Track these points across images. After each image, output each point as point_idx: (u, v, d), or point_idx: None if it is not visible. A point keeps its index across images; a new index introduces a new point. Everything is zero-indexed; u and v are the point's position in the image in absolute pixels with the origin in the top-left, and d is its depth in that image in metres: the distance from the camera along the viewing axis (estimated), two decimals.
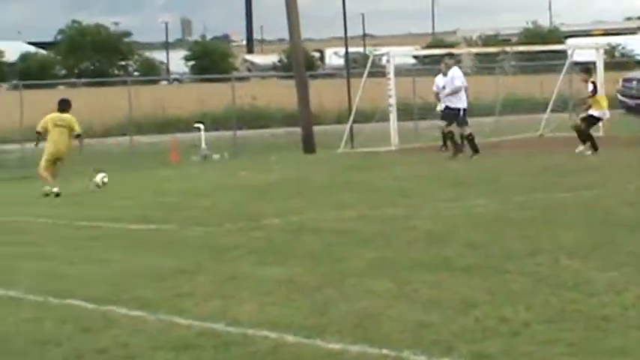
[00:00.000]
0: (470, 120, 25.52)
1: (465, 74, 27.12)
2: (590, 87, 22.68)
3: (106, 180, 19.94)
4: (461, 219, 12.48)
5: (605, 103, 23.28)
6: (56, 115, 19.98)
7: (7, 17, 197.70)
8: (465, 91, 23.78)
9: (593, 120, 22.88)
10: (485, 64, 50.76)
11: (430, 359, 6.44)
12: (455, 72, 23.49)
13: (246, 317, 7.74)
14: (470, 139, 23.08)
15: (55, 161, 19.82)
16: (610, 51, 57.80)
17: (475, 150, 22.78)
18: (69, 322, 7.88)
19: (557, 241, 10.38)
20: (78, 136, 19.90)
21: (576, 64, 32.18)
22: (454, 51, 38.51)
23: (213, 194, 17.52)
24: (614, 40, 68.00)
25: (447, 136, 23.77)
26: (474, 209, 13.34)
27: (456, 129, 23.39)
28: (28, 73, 66.97)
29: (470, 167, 20.09)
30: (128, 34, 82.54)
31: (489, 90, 36.25)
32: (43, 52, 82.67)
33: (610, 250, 9.80)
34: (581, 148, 22.28)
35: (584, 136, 22.55)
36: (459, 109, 22.89)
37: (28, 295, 9.09)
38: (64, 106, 20.13)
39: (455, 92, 23.01)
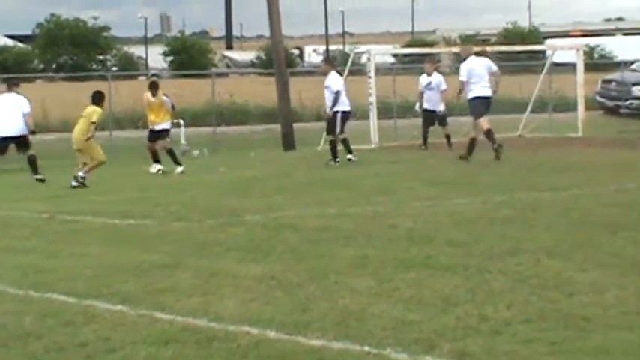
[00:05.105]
0: (449, 119, 25.72)
1: (444, 74, 27.19)
2: None
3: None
4: (442, 218, 12.51)
5: None
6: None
7: None
8: (441, 92, 23.90)
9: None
10: None
11: (412, 357, 6.48)
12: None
13: (228, 313, 7.75)
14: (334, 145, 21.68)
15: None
16: (589, 52, 57.99)
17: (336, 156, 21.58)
18: (50, 316, 7.86)
19: (537, 241, 10.43)
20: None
21: (556, 64, 32.32)
22: (434, 50, 38.74)
23: (193, 190, 17.50)
24: (593, 41, 68.24)
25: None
26: (455, 208, 13.36)
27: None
28: (5, 67, 66.61)
29: (450, 167, 20.12)
30: (107, 28, 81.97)
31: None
32: (20, 45, 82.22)
33: (590, 251, 9.86)
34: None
35: None
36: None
37: (8, 289, 9.06)
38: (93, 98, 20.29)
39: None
